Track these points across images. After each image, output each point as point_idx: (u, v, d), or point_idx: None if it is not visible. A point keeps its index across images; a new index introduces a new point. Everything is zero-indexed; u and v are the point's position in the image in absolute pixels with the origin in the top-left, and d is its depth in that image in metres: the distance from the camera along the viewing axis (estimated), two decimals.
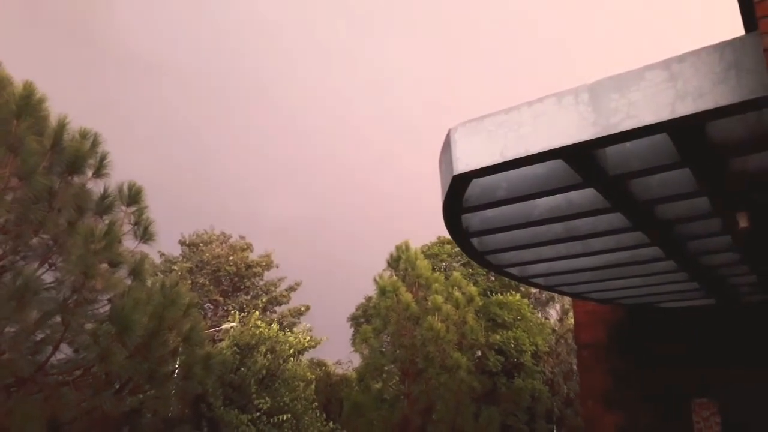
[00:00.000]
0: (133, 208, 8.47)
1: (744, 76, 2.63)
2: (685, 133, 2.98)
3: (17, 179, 7.21)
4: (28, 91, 7.45)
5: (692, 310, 8.25)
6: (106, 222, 7.75)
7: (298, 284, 34.55)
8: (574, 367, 26.05)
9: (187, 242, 32.94)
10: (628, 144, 3.36)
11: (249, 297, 32.54)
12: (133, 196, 8.43)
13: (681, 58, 2.82)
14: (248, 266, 32.50)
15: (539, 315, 28.51)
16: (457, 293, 18.07)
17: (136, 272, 8.31)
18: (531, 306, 26.80)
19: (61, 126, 7.73)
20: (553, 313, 29.97)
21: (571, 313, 26.70)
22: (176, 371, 9.40)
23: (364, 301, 29.02)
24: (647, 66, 2.90)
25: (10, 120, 7.09)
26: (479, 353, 22.95)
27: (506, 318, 24.18)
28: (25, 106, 7.24)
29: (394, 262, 18.56)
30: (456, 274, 20.16)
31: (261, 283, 33.57)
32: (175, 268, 29.75)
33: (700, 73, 2.75)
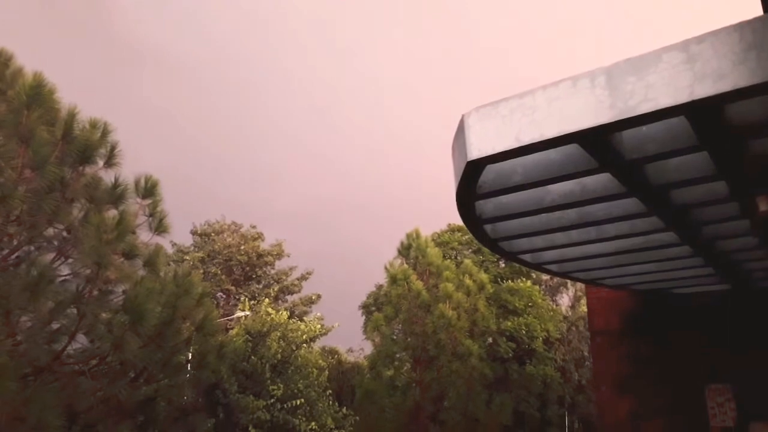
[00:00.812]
0: (148, 201, 8.51)
1: (765, 56, 2.56)
2: (703, 115, 2.93)
3: (30, 170, 7.25)
4: (38, 81, 7.45)
5: (706, 295, 8.18)
6: (119, 212, 7.79)
7: (309, 273, 34.66)
8: (586, 353, 26.03)
9: (198, 232, 33.10)
10: (644, 128, 3.30)
11: (261, 286, 32.71)
12: (149, 189, 8.46)
13: (699, 39, 2.76)
14: (259, 255, 32.63)
15: (551, 302, 28.46)
16: (468, 280, 18.06)
17: (150, 263, 8.35)
18: (542, 293, 26.76)
19: (71, 116, 7.74)
20: (565, 299, 29.91)
21: (583, 300, 26.61)
22: (190, 360, 9.48)
23: (375, 289, 29.09)
24: (665, 47, 2.84)
25: (20, 111, 7.11)
26: (490, 340, 22.97)
27: (517, 305, 24.15)
28: (35, 97, 7.25)
29: (404, 250, 18.56)
30: (467, 261, 20.13)
31: (272, 272, 33.71)
32: (187, 257, 29.93)
33: (719, 54, 2.68)
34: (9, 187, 6.59)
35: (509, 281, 25.27)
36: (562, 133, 3.05)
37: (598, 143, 3.19)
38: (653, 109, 2.80)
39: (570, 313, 28.64)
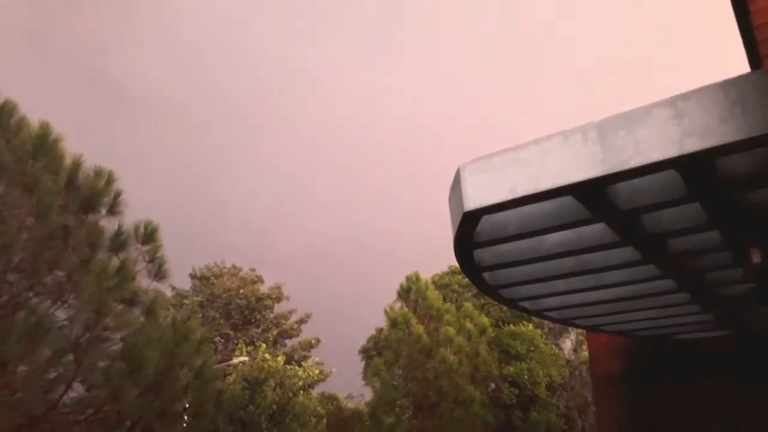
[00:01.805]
0: (148, 246, 8.55)
1: (749, 113, 2.65)
2: (693, 168, 3.00)
3: (33, 218, 7.32)
4: (44, 131, 7.62)
5: (707, 341, 8.14)
6: (120, 259, 7.82)
7: (308, 316, 34.38)
8: (589, 399, 25.57)
9: (198, 275, 33.00)
10: (636, 179, 3.38)
11: (259, 330, 32.41)
12: (149, 235, 8.52)
13: (686, 96, 2.86)
14: (258, 299, 32.45)
15: (553, 346, 28.12)
16: (469, 324, 17.93)
17: (149, 309, 8.34)
18: (544, 337, 26.47)
19: (76, 165, 7.87)
20: (568, 343, 29.56)
21: (585, 344, 26.33)
22: (187, 408, 9.35)
23: (374, 332, 28.78)
24: (653, 104, 2.94)
25: (26, 160, 7.24)
26: (493, 386, 22.61)
27: (519, 349, 23.85)
28: (41, 146, 7.39)
29: (404, 293, 18.48)
30: (467, 304, 20.02)
31: (271, 315, 33.45)
32: (186, 302, 29.76)
33: (706, 110, 2.78)
34: (11, 235, 6.65)
35: (511, 325, 25.02)
36: (556, 186, 3.12)
37: (591, 195, 3.26)
38: (644, 163, 2.88)
39: (573, 358, 28.25)
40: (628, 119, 2.98)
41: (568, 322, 6.79)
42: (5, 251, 6.65)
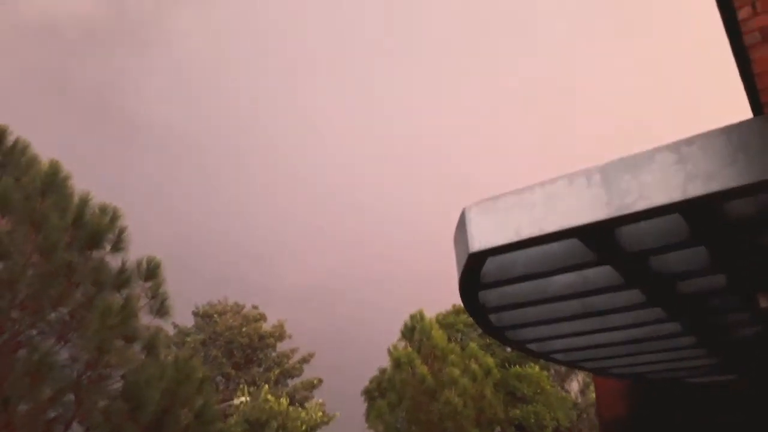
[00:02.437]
0: (150, 283, 8.55)
1: (752, 158, 2.68)
2: (697, 212, 3.02)
3: (39, 255, 7.35)
4: (54, 169, 7.72)
5: (715, 385, 8.00)
6: (123, 297, 7.81)
7: (311, 355, 33.99)
8: None
9: (200, 313, 32.82)
10: (642, 222, 3.39)
11: (261, 369, 32.02)
12: (152, 271, 8.52)
13: (689, 141, 2.90)
14: (261, 337, 32.17)
15: (559, 388, 27.65)
16: (474, 365, 17.67)
17: (151, 347, 8.28)
18: (551, 378, 26.05)
19: (84, 202, 7.94)
20: (575, 385, 29.06)
21: (593, 386, 25.87)
22: None
23: (377, 373, 28.37)
24: (657, 148, 2.97)
25: (35, 197, 7.32)
26: (499, 429, 22.14)
27: (526, 391, 23.45)
28: (50, 184, 7.48)
29: (408, 332, 18.29)
30: (472, 344, 19.77)
31: (273, 354, 33.09)
32: (189, 339, 29.53)
33: (709, 155, 2.81)
34: (17, 272, 6.67)
35: (517, 366, 24.67)
36: (561, 229, 3.14)
37: (597, 238, 3.27)
38: (649, 207, 2.89)
39: (580, 400, 27.73)
40: (632, 163, 3.01)
41: (575, 365, 6.70)
42: (10, 288, 6.65)
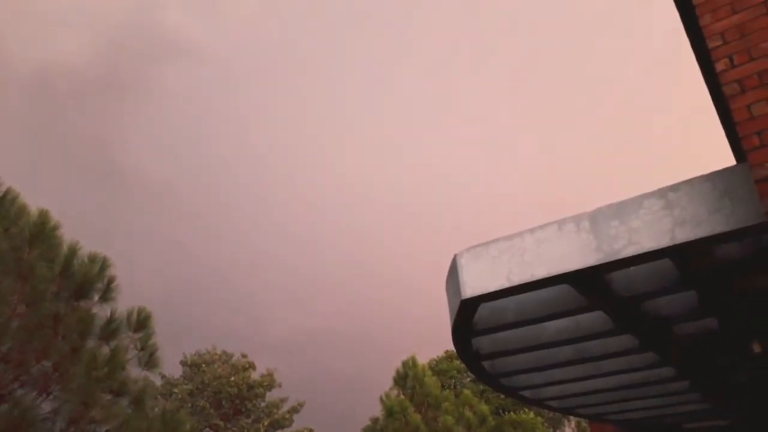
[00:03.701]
0: (139, 334, 8.39)
1: (738, 204, 2.73)
2: (686, 257, 3.05)
3: (24, 306, 7.23)
4: (43, 218, 7.66)
5: (711, 429, 7.90)
6: (111, 348, 7.65)
7: (301, 405, 33.16)
8: None
9: (188, 363, 32.13)
10: (632, 267, 3.41)
11: (250, 420, 31.18)
12: (142, 322, 8.37)
13: (675, 187, 2.95)
14: (250, 387, 31.43)
15: None
16: (468, 413, 17.35)
17: (138, 400, 8.06)
18: (546, 425, 25.60)
19: (72, 252, 7.86)
20: (568, 431, 28.55)
21: (588, 430, 25.40)
22: None
23: (369, 422, 27.72)
24: (644, 194, 3.02)
25: (23, 248, 7.24)
26: None
27: None
28: (38, 234, 7.41)
29: (400, 380, 17.97)
30: (466, 391, 19.45)
31: (263, 404, 32.28)
32: (176, 390, 28.80)
33: (695, 201, 2.86)
34: (2, 323, 6.54)
35: (512, 413, 24.26)
36: (551, 275, 3.15)
37: (587, 283, 3.28)
38: (638, 252, 2.92)
39: None
40: (620, 209, 3.06)
41: (570, 412, 6.61)
42: None
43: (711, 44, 2.64)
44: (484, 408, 18.35)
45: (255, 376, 32.40)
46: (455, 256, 3.58)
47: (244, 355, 33.34)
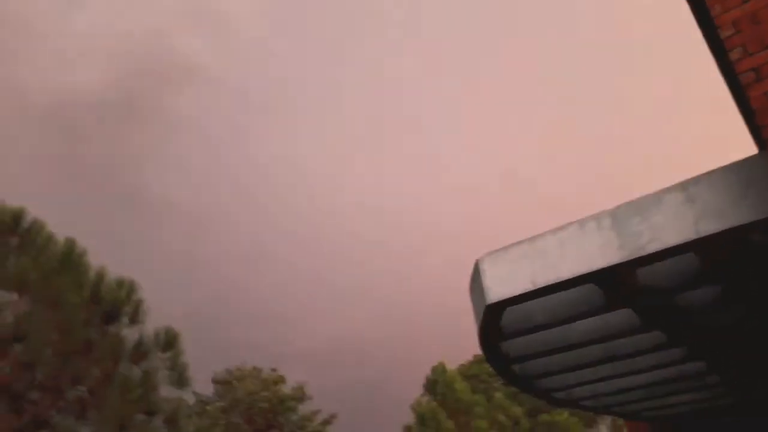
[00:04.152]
0: (168, 354, 8.51)
1: (762, 193, 2.68)
2: (711, 250, 3.00)
3: (57, 333, 7.37)
4: (70, 247, 7.83)
5: (748, 421, 7.72)
6: (142, 370, 7.77)
7: (333, 417, 33.19)
8: None
9: (219, 380, 32.37)
10: (656, 263, 3.37)
11: None
12: (170, 342, 8.50)
13: (696, 180, 2.91)
14: (281, 401, 31.55)
15: None
16: (501, 416, 17.22)
17: (171, 420, 8.16)
18: (580, 424, 25.24)
19: (100, 278, 8.01)
20: (604, 429, 28.09)
21: (624, 428, 24.96)
22: None
23: (402, 431, 27.62)
24: (664, 189, 2.99)
25: (52, 276, 7.40)
26: None
27: None
28: (66, 262, 7.58)
29: (430, 386, 17.96)
30: (498, 394, 19.30)
31: (295, 417, 32.37)
32: (209, 408, 29.03)
33: (717, 193, 2.82)
34: (36, 352, 6.68)
35: (545, 414, 23.98)
36: (576, 275, 3.12)
37: (612, 282, 3.25)
38: (662, 248, 2.88)
39: None
40: (641, 206, 3.02)
41: (604, 411, 6.52)
42: (29, 369, 6.65)
43: (723, 34, 2.61)
44: (518, 410, 18.19)
45: (285, 389, 32.52)
46: (477, 261, 3.57)
47: (273, 370, 33.48)
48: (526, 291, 3.31)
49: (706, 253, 2.98)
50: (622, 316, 3.85)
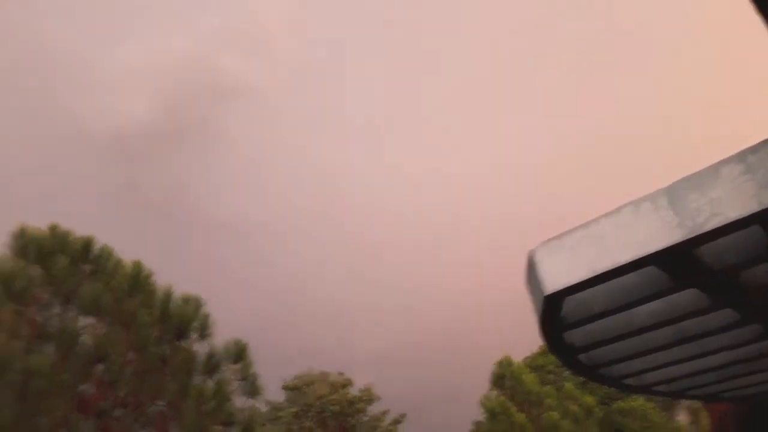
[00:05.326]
0: (239, 365, 8.78)
1: None
2: None
3: (132, 352, 7.74)
4: (137, 269, 8.21)
5: None
6: (215, 381, 8.04)
7: (402, 416, 33.38)
8: None
9: (290, 386, 33.08)
10: (719, 239, 3.25)
11: None
12: (239, 353, 8.77)
13: (755, 149, 2.80)
14: (350, 403, 31.96)
15: (669, 417, 25.85)
16: (573, 406, 16.88)
17: (247, 429, 8.42)
18: (658, 409, 24.45)
19: (168, 296, 8.35)
20: (682, 413, 27.10)
21: (704, 413, 24.01)
22: None
23: (473, 427, 27.45)
24: (720, 162, 2.88)
25: (123, 299, 7.77)
26: None
27: (634, 427, 22.06)
28: (135, 284, 7.94)
29: (498, 380, 17.74)
30: (568, 384, 18.92)
31: (365, 419, 32.73)
32: (282, 414, 29.72)
33: None
34: (116, 371, 7.03)
35: (619, 401, 23.35)
36: (636, 258, 3.05)
37: (674, 262, 3.16)
38: (724, 224, 2.78)
39: (692, 428, 25.77)
40: (697, 181, 2.93)
41: (680, 395, 6.31)
42: (111, 387, 7.00)
43: None
44: (589, 399, 17.80)
45: (353, 392, 32.91)
46: (530, 252, 3.54)
47: (341, 373, 33.96)
48: (585, 279, 3.25)
49: None
50: (688, 297, 3.73)
